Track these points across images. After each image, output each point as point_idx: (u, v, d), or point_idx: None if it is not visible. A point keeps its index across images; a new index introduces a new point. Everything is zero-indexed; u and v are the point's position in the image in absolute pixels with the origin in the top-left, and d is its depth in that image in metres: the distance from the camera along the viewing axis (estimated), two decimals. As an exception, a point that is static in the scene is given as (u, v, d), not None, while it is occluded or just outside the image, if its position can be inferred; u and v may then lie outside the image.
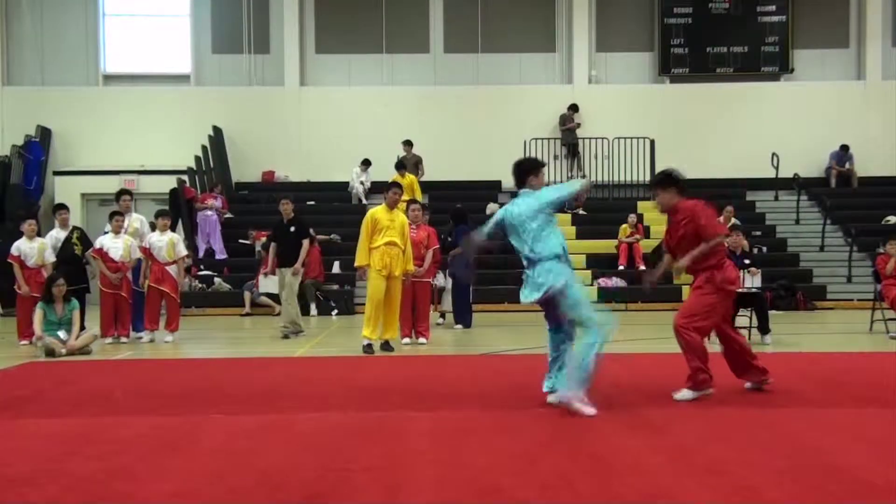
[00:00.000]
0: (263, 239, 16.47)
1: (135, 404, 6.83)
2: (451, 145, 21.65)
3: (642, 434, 5.50)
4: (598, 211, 20.12)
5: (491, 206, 19.50)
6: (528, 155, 18.53)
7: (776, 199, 21.18)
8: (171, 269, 12.16)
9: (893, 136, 21.85)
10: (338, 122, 21.95)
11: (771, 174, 20.98)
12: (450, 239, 13.55)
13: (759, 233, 19.57)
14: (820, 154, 21.89)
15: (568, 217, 19.12)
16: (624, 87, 22.50)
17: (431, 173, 20.60)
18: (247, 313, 16.94)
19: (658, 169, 20.80)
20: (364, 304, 10.69)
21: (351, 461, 4.84)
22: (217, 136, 21.55)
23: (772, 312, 12.80)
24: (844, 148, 21.67)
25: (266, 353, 10.88)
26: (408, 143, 20.63)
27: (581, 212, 19.98)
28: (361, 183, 20.89)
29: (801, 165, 21.20)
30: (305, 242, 12.58)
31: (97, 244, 12.26)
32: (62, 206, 13.06)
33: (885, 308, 12.31)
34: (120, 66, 22.58)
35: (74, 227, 12.89)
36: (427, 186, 19.75)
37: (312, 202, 20.73)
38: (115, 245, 12.12)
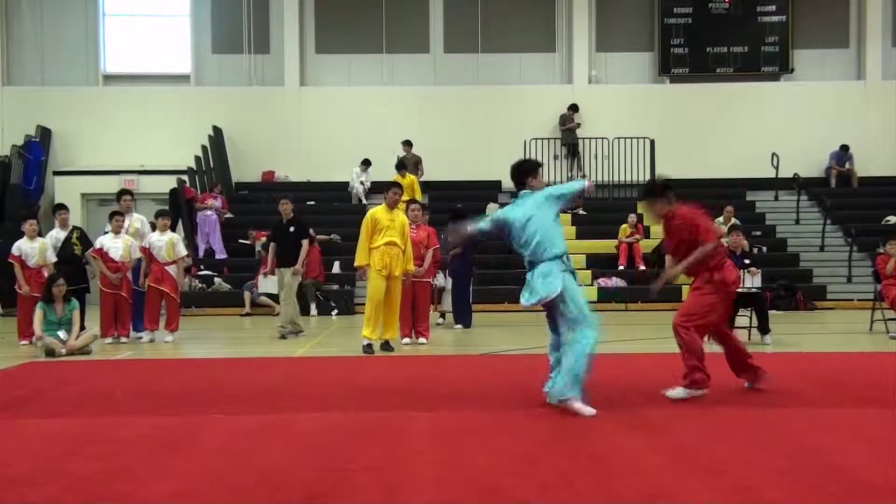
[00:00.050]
0: (263, 239, 16.47)
1: (135, 404, 6.83)
2: (451, 145, 21.65)
3: (642, 434, 5.50)
4: (598, 211, 20.13)
5: (491, 206, 19.49)
6: (528, 155, 18.55)
7: (776, 199, 21.19)
8: (171, 269, 12.16)
9: (893, 136, 21.86)
10: (338, 122, 21.96)
11: (771, 174, 20.98)
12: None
13: (759, 233, 19.58)
14: (820, 154, 21.90)
15: (568, 217, 19.12)
16: (624, 87, 22.50)
17: (431, 173, 20.61)
18: (247, 313, 16.94)
19: (658, 169, 20.89)
20: (364, 304, 10.69)
21: (351, 461, 4.84)
22: (217, 136, 21.55)
23: (772, 312, 12.81)
24: (844, 148, 21.67)
25: (266, 353, 10.88)
26: (407, 144, 20.64)
27: (581, 212, 20.00)
28: (361, 183, 20.90)
29: (801, 165, 21.21)
30: (305, 243, 12.58)
31: (97, 244, 12.26)
32: (62, 206, 13.06)
33: (885, 308, 12.30)
34: (120, 66, 22.59)
35: (74, 227, 12.88)
36: (427, 186, 19.77)
37: (312, 202, 20.74)
38: (115, 245, 12.12)
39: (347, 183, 21.08)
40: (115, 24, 22.67)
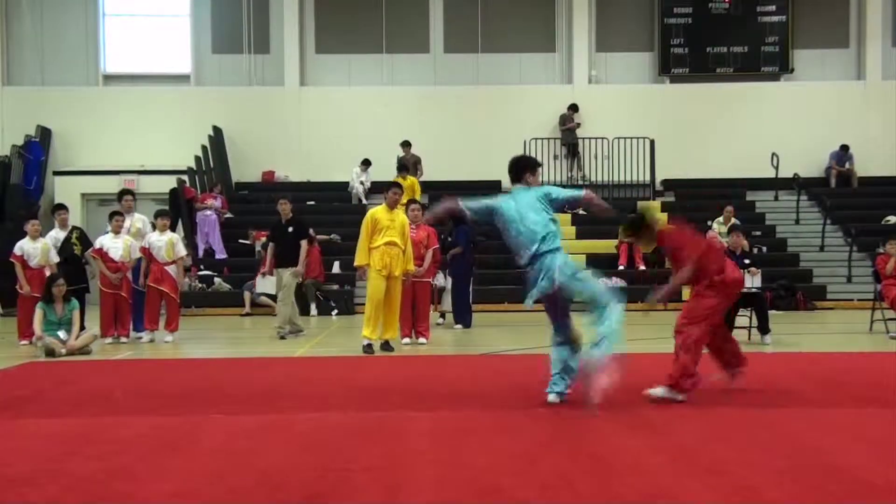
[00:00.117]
0: (263, 239, 16.47)
1: (135, 404, 6.83)
2: (451, 145, 21.65)
3: (642, 434, 5.50)
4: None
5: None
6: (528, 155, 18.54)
7: (776, 199, 21.18)
8: (171, 269, 12.16)
9: (893, 136, 21.85)
10: (338, 122, 21.95)
11: (771, 174, 20.98)
12: (450, 239, 13.56)
13: (759, 233, 19.57)
14: (820, 154, 21.89)
15: (568, 217, 19.11)
16: (624, 87, 22.50)
17: (431, 173, 20.60)
18: (247, 313, 16.94)
19: (658, 169, 20.94)
20: (364, 304, 10.69)
21: (351, 461, 4.84)
22: (217, 136, 21.55)
23: (772, 312, 12.81)
24: (844, 148, 21.66)
25: (266, 353, 10.88)
26: (406, 144, 20.63)
27: (581, 212, 19.98)
28: (361, 183, 20.90)
29: (801, 165, 21.20)
30: (304, 243, 12.57)
31: (97, 244, 12.26)
32: (61, 207, 13.07)
33: (885, 308, 12.30)
34: (120, 66, 22.59)
35: (74, 227, 12.88)
36: (427, 186, 19.74)
37: (312, 202, 20.73)
38: (114, 245, 12.12)
39: (347, 183, 21.08)
40: (115, 24, 22.67)
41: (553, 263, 6.35)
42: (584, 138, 21.58)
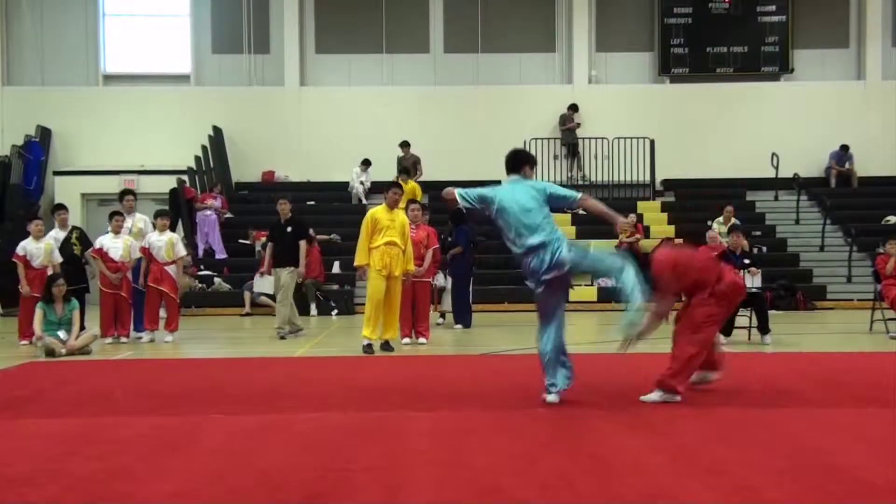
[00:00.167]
0: (263, 239, 16.47)
1: (135, 404, 6.83)
2: (451, 145, 21.64)
3: (642, 434, 5.50)
4: (598, 211, 20.08)
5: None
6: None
7: (776, 199, 21.18)
8: (171, 269, 12.15)
9: (893, 136, 21.85)
10: (338, 122, 21.95)
11: (771, 174, 20.98)
12: (450, 239, 13.57)
13: (759, 233, 19.57)
14: (820, 154, 21.89)
15: (568, 217, 19.12)
16: (624, 87, 22.50)
17: (431, 173, 20.57)
18: (247, 313, 16.93)
19: (658, 169, 20.93)
20: (364, 304, 10.69)
21: (351, 461, 4.84)
22: (217, 136, 21.55)
23: (772, 312, 12.80)
24: (844, 148, 21.66)
25: (266, 353, 10.88)
26: (405, 144, 20.62)
27: (581, 211, 19.94)
28: (361, 183, 20.89)
29: (801, 165, 21.20)
30: (303, 243, 12.57)
31: (97, 244, 12.26)
32: (61, 207, 13.06)
33: (885, 308, 12.30)
34: (120, 66, 22.58)
35: (74, 227, 12.88)
36: (427, 186, 19.70)
37: (312, 202, 20.73)
38: (114, 245, 12.12)
39: (347, 183, 21.08)
40: (115, 24, 22.66)
41: (561, 246, 6.40)
42: (584, 138, 21.58)
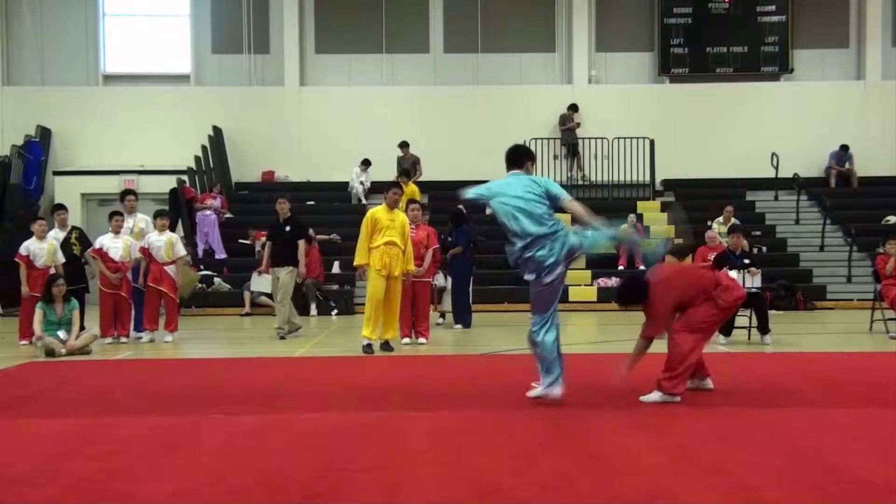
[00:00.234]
0: (263, 238, 16.47)
1: (135, 404, 6.83)
2: (451, 145, 21.64)
3: (642, 434, 5.50)
4: (598, 211, 19.92)
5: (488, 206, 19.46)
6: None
7: (776, 199, 21.18)
8: (170, 269, 12.15)
9: (893, 136, 21.86)
10: (338, 122, 21.95)
11: (771, 174, 20.98)
12: (450, 239, 13.57)
13: (758, 233, 19.57)
14: (820, 154, 21.89)
15: (568, 217, 19.06)
16: (624, 87, 22.50)
17: (431, 173, 20.59)
18: (247, 313, 16.93)
19: (658, 169, 20.92)
20: (364, 304, 10.69)
21: (351, 461, 4.84)
22: (217, 136, 21.55)
23: (772, 312, 12.80)
24: (844, 148, 21.67)
25: (266, 353, 10.88)
26: (404, 145, 20.61)
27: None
28: (361, 183, 20.89)
29: (800, 165, 21.20)
30: (301, 243, 12.56)
31: (97, 244, 12.26)
32: (61, 207, 13.06)
33: (884, 308, 12.30)
34: (120, 66, 22.59)
35: (73, 228, 12.88)
36: (427, 186, 19.74)
37: (312, 202, 20.73)
38: (114, 245, 12.12)
39: (347, 183, 21.08)
40: (115, 24, 22.67)
41: (568, 235, 6.47)
42: (584, 138, 21.58)
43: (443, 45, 22.58)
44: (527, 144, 19.95)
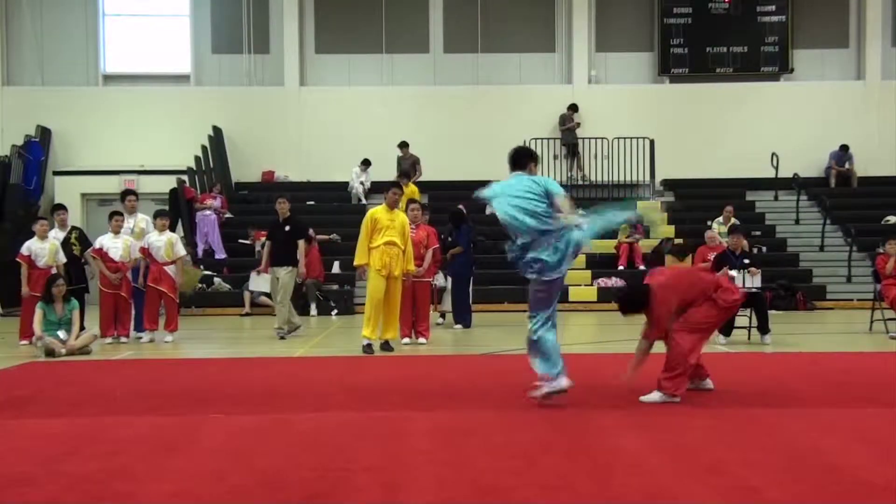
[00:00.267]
0: (263, 238, 16.47)
1: (135, 404, 6.83)
2: (451, 145, 21.64)
3: (642, 434, 5.50)
4: (598, 211, 20.08)
5: (489, 205, 19.45)
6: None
7: (776, 199, 21.18)
8: (170, 269, 12.15)
9: (893, 136, 21.87)
10: (338, 122, 21.95)
11: (771, 174, 20.98)
12: (450, 239, 13.57)
13: (758, 233, 19.57)
14: (820, 154, 21.89)
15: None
16: (624, 87, 22.50)
17: (431, 173, 20.59)
18: (247, 313, 16.93)
19: (658, 169, 20.92)
20: (364, 304, 10.69)
21: (351, 461, 4.84)
22: (217, 136, 21.55)
23: (771, 312, 12.80)
24: (844, 148, 21.67)
25: (265, 353, 10.88)
26: (404, 145, 20.60)
27: (580, 211, 19.94)
28: (361, 183, 20.89)
29: (800, 165, 21.20)
30: (301, 243, 12.56)
31: (97, 244, 12.26)
32: (60, 207, 13.06)
33: (884, 308, 12.31)
34: (120, 66, 22.59)
35: (73, 228, 12.88)
36: (427, 186, 19.75)
37: (312, 202, 20.73)
38: (114, 245, 12.12)
39: (347, 183, 21.08)
40: (115, 24, 22.67)
41: (572, 235, 6.49)
42: (584, 138, 21.58)
43: (443, 45, 22.58)
44: (527, 144, 20.09)
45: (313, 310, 16.78)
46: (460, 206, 15.09)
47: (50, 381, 8.26)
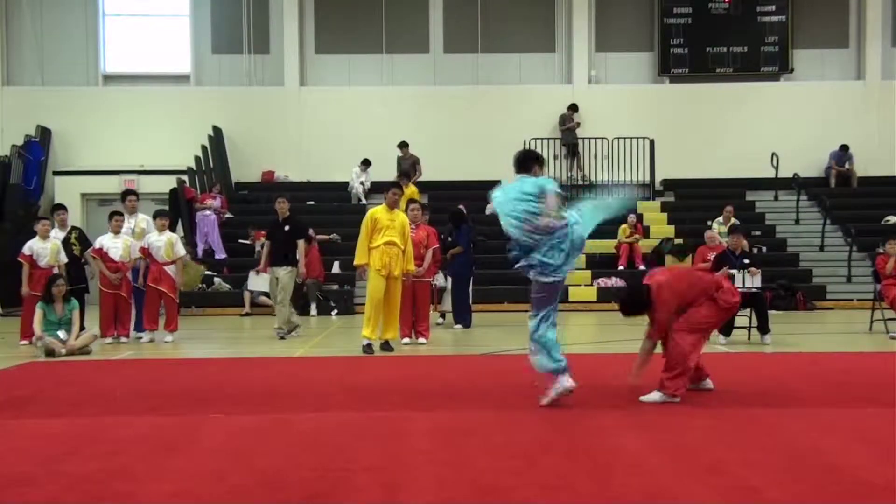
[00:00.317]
0: (263, 238, 16.48)
1: (135, 404, 6.82)
2: (451, 145, 21.64)
3: (642, 434, 5.50)
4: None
5: (490, 207, 19.47)
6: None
7: (776, 198, 21.18)
8: (170, 269, 12.15)
9: (893, 136, 21.87)
10: (338, 122, 21.95)
11: (771, 174, 20.98)
12: (450, 239, 13.57)
13: (758, 233, 19.57)
14: (820, 154, 21.89)
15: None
16: (624, 87, 22.50)
17: (431, 173, 20.59)
18: (247, 313, 16.93)
19: (658, 169, 20.94)
20: (364, 304, 10.69)
21: (351, 461, 4.84)
22: (217, 136, 21.55)
23: (771, 312, 12.80)
24: (844, 148, 21.67)
25: (265, 353, 10.87)
26: (403, 145, 20.60)
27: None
28: (361, 183, 20.90)
29: (800, 165, 21.21)
30: (301, 243, 12.56)
31: (97, 244, 12.26)
32: (60, 207, 13.05)
33: (884, 308, 12.30)
34: (120, 66, 22.59)
35: (73, 228, 12.87)
36: (427, 186, 19.75)
37: (312, 202, 20.74)
38: (114, 245, 12.11)
39: (347, 183, 21.08)
40: (115, 24, 22.67)
41: (573, 232, 6.50)
42: (583, 138, 21.58)
43: (443, 45, 22.58)
44: (526, 144, 20.09)
45: (313, 310, 16.78)
46: (460, 206, 15.09)
47: (50, 381, 8.26)
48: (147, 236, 12.28)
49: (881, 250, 13.23)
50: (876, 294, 12.70)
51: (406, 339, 11.12)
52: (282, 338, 12.15)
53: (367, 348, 10.18)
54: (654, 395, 6.62)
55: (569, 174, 21.51)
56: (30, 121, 21.46)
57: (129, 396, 7.19)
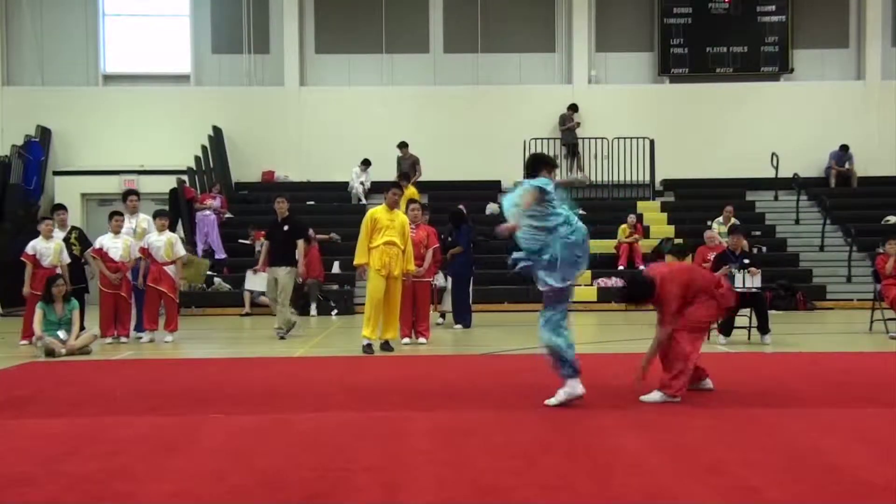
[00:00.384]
0: (263, 238, 16.47)
1: (135, 404, 6.83)
2: (451, 145, 21.64)
3: (642, 434, 5.50)
4: (598, 211, 20.09)
5: (491, 206, 19.51)
6: (527, 155, 18.51)
7: (776, 198, 21.19)
8: (170, 269, 12.15)
9: (893, 136, 21.87)
10: (338, 122, 21.96)
11: (771, 174, 20.98)
12: (450, 239, 13.57)
13: (758, 233, 19.58)
14: (819, 154, 21.90)
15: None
16: (624, 87, 22.50)
17: (431, 173, 20.59)
18: (247, 313, 16.93)
19: (658, 169, 20.93)
20: (364, 304, 10.69)
21: (351, 461, 4.84)
22: (217, 136, 21.55)
23: (771, 312, 12.79)
24: (844, 148, 21.67)
25: (265, 353, 10.88)
26: (403, 145, 20.59)
27: (580, 211, 19.96)
28: (361, 183, 20.90)
29: (800, 165, 21.21)
30: (300, 242, 12.55)
31: (97, 244, 12.26)
32: (60, 207, 13.04)
33: (884, 308, 12.30)
34: (120, 66, 22.60)
35: (73, 228, 12.86)
36: (427, 186, 19.74)
37: (312, 202, 20.74)
38: (114, 245, 12.11)
39: (347, 183, 21.09)
40: (115, 24, 22.68)
41: (577, 228, 6.48)
42: (583, 138, 21.58)
43: (442, 45, 22.58)
44: (526, 144, 20.11)
45: (313, 310, 16.78)
46: (460, 206, 15.09)
47: (50, 381, 8.26)
48: (147, 236, 12.28)
49: (881, 250, 13.23)
50: (876, 294, 12.70)
51: (406, 339, 11.12)
52: (282, 338, 12.15)
53: (367, 348, 10.18)
54: (655, 395, 6.63)
55: (568, 174, 21.49)
56: (30, 121, 21.46)
57: (129, 396, 7.19)
